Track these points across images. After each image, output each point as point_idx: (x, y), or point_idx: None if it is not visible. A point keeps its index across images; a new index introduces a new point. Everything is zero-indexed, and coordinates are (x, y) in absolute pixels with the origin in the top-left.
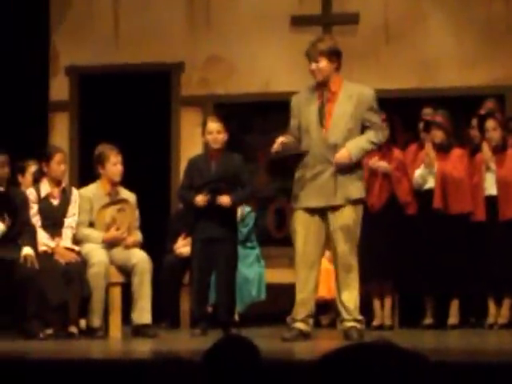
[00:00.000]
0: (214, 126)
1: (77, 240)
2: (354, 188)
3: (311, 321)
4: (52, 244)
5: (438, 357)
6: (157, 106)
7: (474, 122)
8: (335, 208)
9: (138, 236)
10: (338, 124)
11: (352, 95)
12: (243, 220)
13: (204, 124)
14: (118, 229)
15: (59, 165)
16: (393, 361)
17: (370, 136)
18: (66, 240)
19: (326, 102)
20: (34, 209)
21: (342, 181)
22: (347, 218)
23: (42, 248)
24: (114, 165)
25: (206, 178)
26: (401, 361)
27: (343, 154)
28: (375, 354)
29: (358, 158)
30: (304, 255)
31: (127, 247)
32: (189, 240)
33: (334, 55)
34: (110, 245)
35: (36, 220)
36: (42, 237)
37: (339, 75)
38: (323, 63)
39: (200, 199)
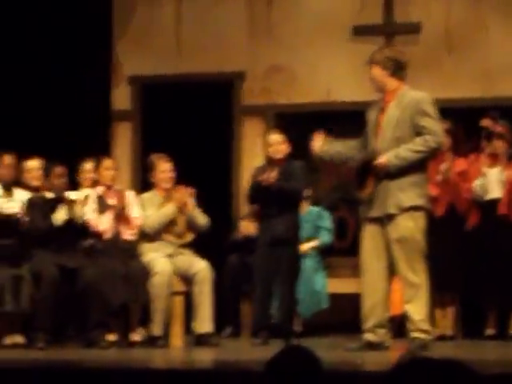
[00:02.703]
0: (274, 137)
1: (147, 236)
2: (405, 196)
3: (381, 331)
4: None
5: (499, 368)
6: (218, 115)
7: None
8: (390, 218)
9: (203, 218)
10: (385, 133)
11: (401, 102)
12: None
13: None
14: (175, 224)
15: (108, 170)
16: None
17: (415, 144)
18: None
19: (380, 111)
20: (92, 206)
21: (393, 189)
22: (402, 228)
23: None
24: (162, 172)
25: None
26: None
27: (381, 162)
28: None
29: (397, 167)
30: (367, 265)
31: (187, 211)
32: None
33: (389, 62)
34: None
35: (95, 216)
36: (105, 220)
37: (398, 83)
38: (375, 71)
39: (266, 176)
